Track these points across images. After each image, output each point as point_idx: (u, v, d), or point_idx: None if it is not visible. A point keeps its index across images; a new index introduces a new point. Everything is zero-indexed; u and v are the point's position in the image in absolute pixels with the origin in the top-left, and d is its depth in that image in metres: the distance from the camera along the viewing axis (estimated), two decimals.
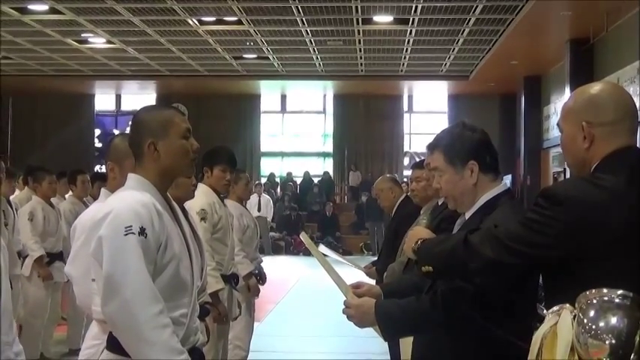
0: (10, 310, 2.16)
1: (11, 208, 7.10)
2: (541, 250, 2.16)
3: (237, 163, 5.61)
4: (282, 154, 24.03)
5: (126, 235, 2.51)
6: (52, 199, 7.51)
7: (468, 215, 2.68)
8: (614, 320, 1.91)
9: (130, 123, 2.84)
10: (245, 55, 17.03)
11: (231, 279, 5.39)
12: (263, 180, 22.12)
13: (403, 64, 17.72)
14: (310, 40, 15.18)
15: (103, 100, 23.68)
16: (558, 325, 2.02)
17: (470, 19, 13.12)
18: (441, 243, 2.47)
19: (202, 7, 12.77)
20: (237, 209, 5.88)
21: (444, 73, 18.82)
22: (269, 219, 19.77)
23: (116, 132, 22.36)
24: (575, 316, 1.99)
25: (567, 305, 2.03)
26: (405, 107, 23.16)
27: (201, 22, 13.85)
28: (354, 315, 2.76)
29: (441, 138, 2.74)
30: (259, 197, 19.08)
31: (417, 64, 17.79)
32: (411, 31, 14.22)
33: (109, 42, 15.53)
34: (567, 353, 1.96)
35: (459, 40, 14.89)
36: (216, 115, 21.97)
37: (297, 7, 12.52)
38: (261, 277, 6.14)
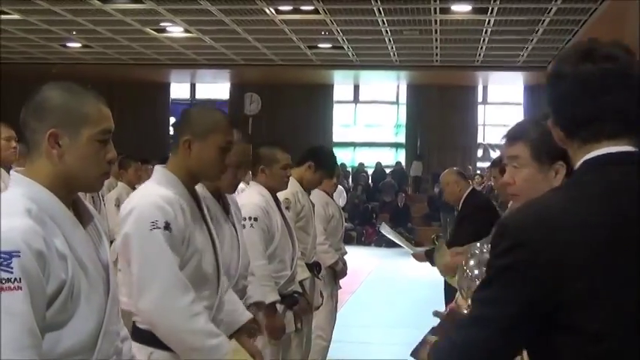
0: (118, 300, 2.18)
1: (98, 194, 7.24)
2: None
3: None
4: (354, 145, 23.97)
5: (151, 230, 2.57)
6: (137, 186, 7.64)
7: None
8: None
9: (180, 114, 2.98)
10: (320, 45, 17.01)
11: (313, 267, 5.39)
12: None
13: (479, 54, 17.45)
14: (386, 30, 15.06)
15: (179, 88, 24.03)
16: None
17: (551, 8, 12.82)
18: None
19: None
20: (323, 198, 5.87)
21: (521, 64, 18.48)
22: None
23: None
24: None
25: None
26: (480, 98, 22.86)
27: (278, 11, 13.88)
28: None
29: (528, 129, 2.33)
30: None
31: (493, 55, 17.49)
32: (489, 20, 13.99)
33: (186, 31, 15.71)
34: None
35: (538, 29, 14.58)
36: (289, 104, 22.05)
37: None
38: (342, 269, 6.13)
